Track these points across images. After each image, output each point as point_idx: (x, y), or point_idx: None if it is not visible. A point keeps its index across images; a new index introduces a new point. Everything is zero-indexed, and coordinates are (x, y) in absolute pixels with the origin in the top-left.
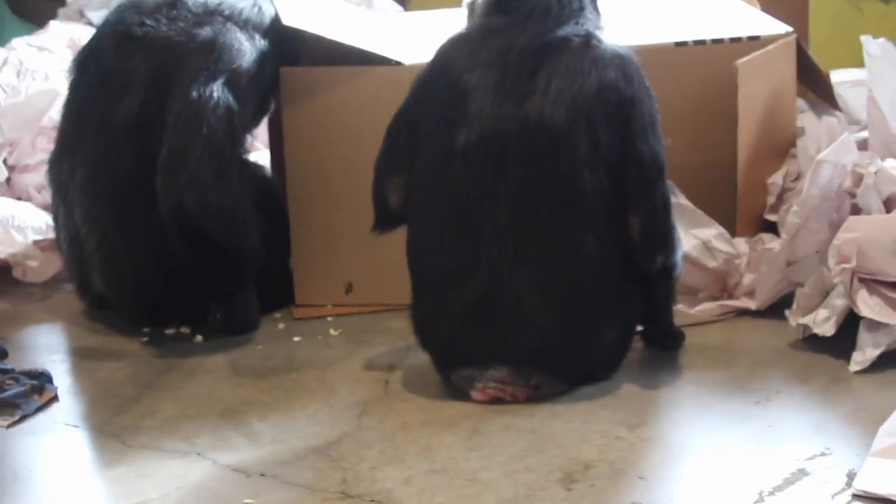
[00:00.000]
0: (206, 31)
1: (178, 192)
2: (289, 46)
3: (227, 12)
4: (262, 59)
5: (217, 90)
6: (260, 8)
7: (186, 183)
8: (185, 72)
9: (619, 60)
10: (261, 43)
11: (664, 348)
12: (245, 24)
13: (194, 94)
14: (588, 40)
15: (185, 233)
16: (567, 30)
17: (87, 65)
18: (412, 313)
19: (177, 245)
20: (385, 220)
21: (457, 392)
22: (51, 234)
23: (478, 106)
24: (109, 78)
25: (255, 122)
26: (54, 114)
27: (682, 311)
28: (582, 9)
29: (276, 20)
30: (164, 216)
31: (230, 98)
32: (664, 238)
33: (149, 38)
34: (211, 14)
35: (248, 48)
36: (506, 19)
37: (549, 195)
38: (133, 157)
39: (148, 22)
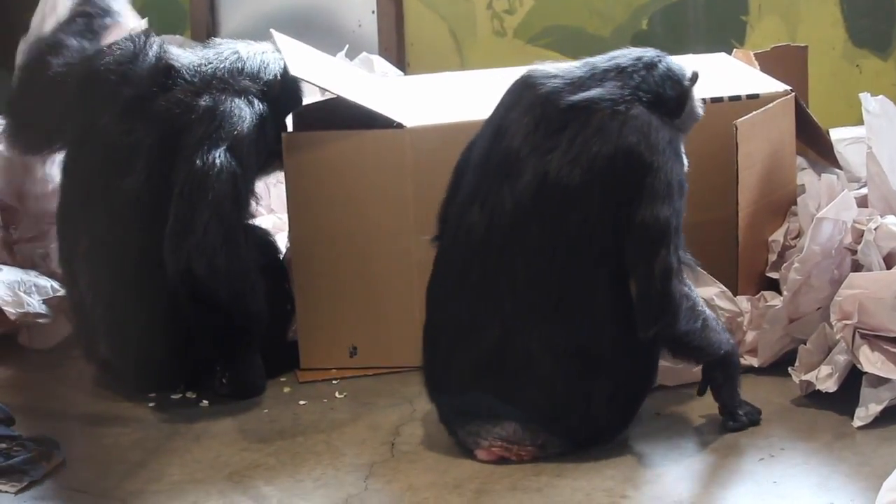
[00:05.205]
0: (205, 101)
1: (186, 257)
2: (289, 100)
3: (223, 80)
4: (262, 122)
5: (220, 157)
6: (255, 70)
7: (195, 249)
8: (188, 142)
9: (647, 128)
10: (259, 107)
11: (725, 428)
12: (242, 91)
13: (198, 162)
14: (626, 105)
15: (194, 297)
16: (615, 92)
17: (86, 138)
18: (423, 362)
19: (188, 309)
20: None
21: (463, 452)
22: (59, 295)
23: (507, 144)
24: (112, 153)
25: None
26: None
27: (687, 370)
28: (638, 72)
29: (274, 80)
30: (173, 282)
31: (233, 164)
32: (659, 307)
33: (148, 110)
34: (207, 83)
35: (247, 113)
36: (583, 70)
37: (562, 254)
38: (140, 230)
39: (145, 94)
